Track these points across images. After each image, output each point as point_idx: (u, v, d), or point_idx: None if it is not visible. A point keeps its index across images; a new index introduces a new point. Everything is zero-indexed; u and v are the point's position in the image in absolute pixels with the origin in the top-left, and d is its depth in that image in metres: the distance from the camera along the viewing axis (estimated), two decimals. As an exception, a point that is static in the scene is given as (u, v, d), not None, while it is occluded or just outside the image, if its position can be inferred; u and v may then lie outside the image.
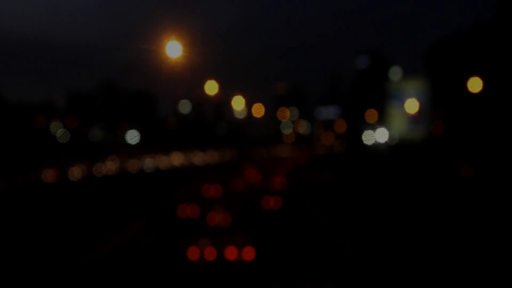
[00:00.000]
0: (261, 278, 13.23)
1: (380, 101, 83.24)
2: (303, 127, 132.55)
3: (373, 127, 79.86)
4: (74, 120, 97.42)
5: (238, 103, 44.31)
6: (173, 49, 15.17)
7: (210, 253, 16.55)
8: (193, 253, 16.57)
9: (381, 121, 79.25)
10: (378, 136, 77.49)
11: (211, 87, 27.32)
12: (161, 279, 13.29)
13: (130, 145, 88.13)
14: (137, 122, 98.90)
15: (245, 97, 44.23)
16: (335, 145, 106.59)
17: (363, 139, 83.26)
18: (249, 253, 16.59)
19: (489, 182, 31.59)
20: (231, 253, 16.55)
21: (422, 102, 67.38)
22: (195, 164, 67.53)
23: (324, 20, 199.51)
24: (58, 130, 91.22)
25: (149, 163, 62.07)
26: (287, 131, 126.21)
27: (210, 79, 26.95)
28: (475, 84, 35.20)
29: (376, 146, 77.43)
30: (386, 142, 75.43)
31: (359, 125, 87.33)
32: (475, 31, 57.25)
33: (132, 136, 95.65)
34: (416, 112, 68.43)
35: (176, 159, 72.62)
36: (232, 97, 43.52)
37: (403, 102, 69.40)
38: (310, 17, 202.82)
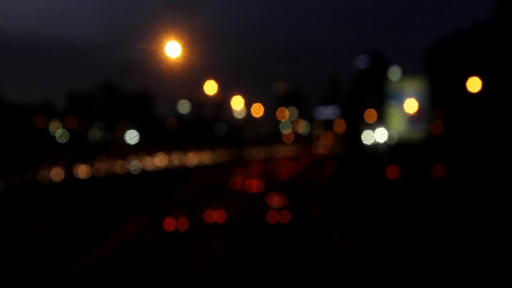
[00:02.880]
0: (264, 199, 25.18)
1: (380, 101, 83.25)
2: (303, 127, 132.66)
3: (373, 127, 79.91)
4: (73, 120, 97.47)
5: (237, 103, 44.33)
6: (173, 49, 15.15)
7: (240, 185, 33.99)
8: (232, 185, 34.20)
9: (380, 121, 79.28)
10: (377, 136, 77.55)
11: (210, 87, 27.32)
12: (218, 195, 26.97)
13: (129, 145, 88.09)
14: (137, 122, 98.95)
15: (244, 97, 44.25)
16: (334, 145, 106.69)
17: (362, 139, 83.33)
18: (260, 187, 32.38)
19: (489, 181, 31.59)
20: (250, 186, 33.38)
21: (421, 102, 67.48)
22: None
23: (323, 20, 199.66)
24: (58, 130, 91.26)
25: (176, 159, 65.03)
26: (286, 131, 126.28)
27: (210, 79, 26.94)
28: (474, 84, 35.23)
29: (375, 145, 77.48)
30: (385, 142, 75.49)
31: (358, 125, 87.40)
32: (475, 31, 57.28)
33: (132, 136, 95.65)
34: (415, 112, 68.53)
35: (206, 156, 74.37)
36: (231, 97, 43.53)
37: (402, 102, 69.48)
38: (310, 17, 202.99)
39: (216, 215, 19.57)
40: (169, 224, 18.10)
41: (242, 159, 77.25)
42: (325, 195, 28.90)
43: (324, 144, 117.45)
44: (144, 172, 49.79)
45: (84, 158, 50.99)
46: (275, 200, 24.51)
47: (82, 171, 43.92)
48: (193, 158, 73.92)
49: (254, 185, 33.81)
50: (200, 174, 44.94)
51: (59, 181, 36.69)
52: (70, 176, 41.02)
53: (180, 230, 17.26)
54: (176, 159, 69.61)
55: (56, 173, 37.86)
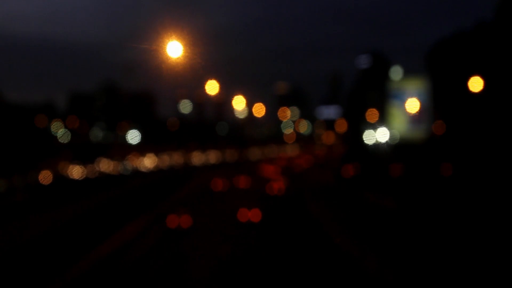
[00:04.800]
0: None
1: (381, 100, 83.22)
2: (304, 127, 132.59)
3: (374, 126, 79.79)
4: (75, 120, 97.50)
5: (239, 103, 44.15)
6: (174, 49, 15.11)
7: (262, 171, 49.76)
8: (260, 171, 49.61)
9: (382, 120, 79.23)
10: (379, 135, 77.43)
11: (212, 87, 27.20)
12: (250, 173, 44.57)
13: (131, 145, 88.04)
14: (138, 122, 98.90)
15: (246, 97, 43.99)
16: (336, 145, 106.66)
17: (364, 139, 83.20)
18: (278, 172, 48.25)
19: (490, 181, 31.55)
20: (269, 171, 49.66)
21: (423, 101, 67.37)
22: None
23: (325, 20, 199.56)
24: (59, 130, 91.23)
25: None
26: (287, 131, 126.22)
27: (211, 79, 26.83)
28: (476, 84, 35.15)
29: (377, 145, 77.38)
30: (387, 141, 75.40)
31: (360, 125, 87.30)
32: (477, 30, 57.19)
33: (133, 136, 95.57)
34: (417, 112, 68.43)
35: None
36: (233, 97, 43.37)
37: (404, 102, 69.41)
38: (311, 17, 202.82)
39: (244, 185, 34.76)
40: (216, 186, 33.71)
41: (244, 160, 77.37)
42: (321, 185, 36.78)
43: (325, 144, 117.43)
44: (137, 174, 49.68)
45: (85, 158, 50.95)
46: (279, 182, 36.00)
47: (77, 172, 43.66)
48: (193, 158, 73.97)
49: (272, 172, 48.49)
50: (199, 176, 44.84)
51: (51, 183, 36.54)
52: (66, 177, 40.95)
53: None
54: (174, 159, 69.41)
55: (46, 176, 37.64)
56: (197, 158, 74.77)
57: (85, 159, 50.66)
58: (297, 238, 15.76)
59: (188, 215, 19.54)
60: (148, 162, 62.74)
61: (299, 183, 37.64)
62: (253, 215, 19.95)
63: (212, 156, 79.82)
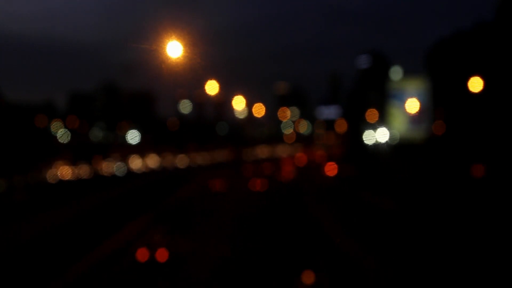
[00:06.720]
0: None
1: (381, 100, 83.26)
2: (304, 127, 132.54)
3: (374, 127, 79.85)
4: (75, 120, 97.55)
5: (238, 103, 44.13)
6: (174, 49, 15.12)
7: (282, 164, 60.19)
8: (281, 164, 61.27)
9: (382, 120, 79.26)
10: (379, 136, 77.49)
11: (212, 87, 27.17)
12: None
13: (131, 145, 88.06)
14: (138, 122, 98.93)
15: (245, 97, 43.97)
16: (336, 145, 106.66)
17: (364, 139, 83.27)
18: (291, 165, 58.25)
19: (491, 181, 31.56)
20: (285, 162, 61.99)
21: (423, 101, 67.45)
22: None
23: (325, 20, 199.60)
24: (59, 130, 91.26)
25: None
26: (287, 131, 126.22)
27: (211, 79, 26.81)
28: (475, 84, 35.17)
29: (377, 145, 77.44)
30: (386, 141, 75.44)
31: (360, 125, 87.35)
32: (476, 30, 57.24)
33: (133, 136, 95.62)
34: (417, 112, 68.51)
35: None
36: (233, 97, 43.36)
37: (404, 102, 69.47)
38: (311, 17, 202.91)
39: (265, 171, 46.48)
40: (247, 172, 45.84)
41: (241, 160, 77.48)
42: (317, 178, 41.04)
43: (325, 144, 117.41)
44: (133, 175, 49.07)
45: (84, 158, 50.87)
46: (288, 172, 45.82)
47: (67, 172, 43.30)
48: (194, 159, 73.98)
49: (287, 164, 57.92)
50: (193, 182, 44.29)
51: (55, 182, 36.47)
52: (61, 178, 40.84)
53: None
54: (168, 160, 68.90)
55: (54, 174, 37.55)
56: (195, 158, 74.72)
57: (82, 159, 50.40)
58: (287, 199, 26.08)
59: (226, 183, 33.65)
60: (134, 164, 60.58)
61: (301, 174, 45.18)
62: (260, 187, 31.88)
63: (208, 157, 79.86)
